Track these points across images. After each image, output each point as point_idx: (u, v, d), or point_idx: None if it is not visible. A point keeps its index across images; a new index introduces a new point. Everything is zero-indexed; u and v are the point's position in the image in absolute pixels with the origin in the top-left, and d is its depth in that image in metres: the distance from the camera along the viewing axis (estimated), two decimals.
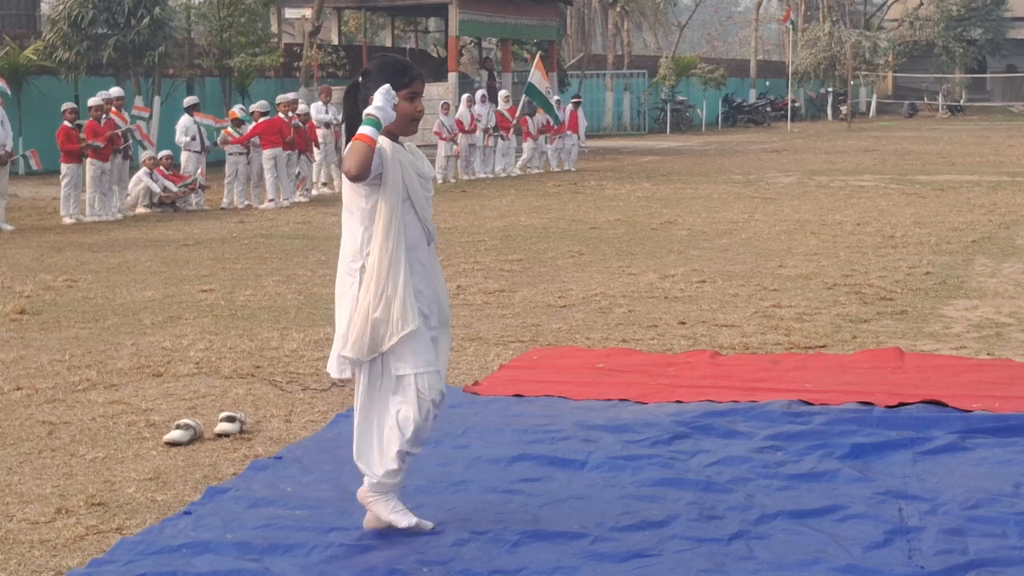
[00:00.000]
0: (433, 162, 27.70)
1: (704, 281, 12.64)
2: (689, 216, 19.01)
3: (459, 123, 27.39)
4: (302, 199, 22.31)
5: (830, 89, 63.91)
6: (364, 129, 5.18)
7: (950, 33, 69.93)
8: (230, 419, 7.08)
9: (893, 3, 76.70)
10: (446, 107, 27.69)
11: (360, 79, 5.50)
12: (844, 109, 58.44)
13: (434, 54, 46.75)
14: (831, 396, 7.86)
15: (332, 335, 9.70)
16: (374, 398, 5.44)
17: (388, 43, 44.53)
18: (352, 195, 5.36)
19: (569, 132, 30.27)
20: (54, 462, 6.60)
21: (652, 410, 7.62)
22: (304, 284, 12.76)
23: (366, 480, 5.49)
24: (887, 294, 11.78)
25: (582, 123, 31.09)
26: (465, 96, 28.53)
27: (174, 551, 5.26)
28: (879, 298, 11.57)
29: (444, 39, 44.59)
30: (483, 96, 28.69)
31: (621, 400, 7.88)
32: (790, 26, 57.29)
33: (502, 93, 30.08)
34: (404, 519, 5.48)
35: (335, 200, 22.71)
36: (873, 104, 67.28)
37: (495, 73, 38.92)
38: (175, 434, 6.86)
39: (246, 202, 21.67)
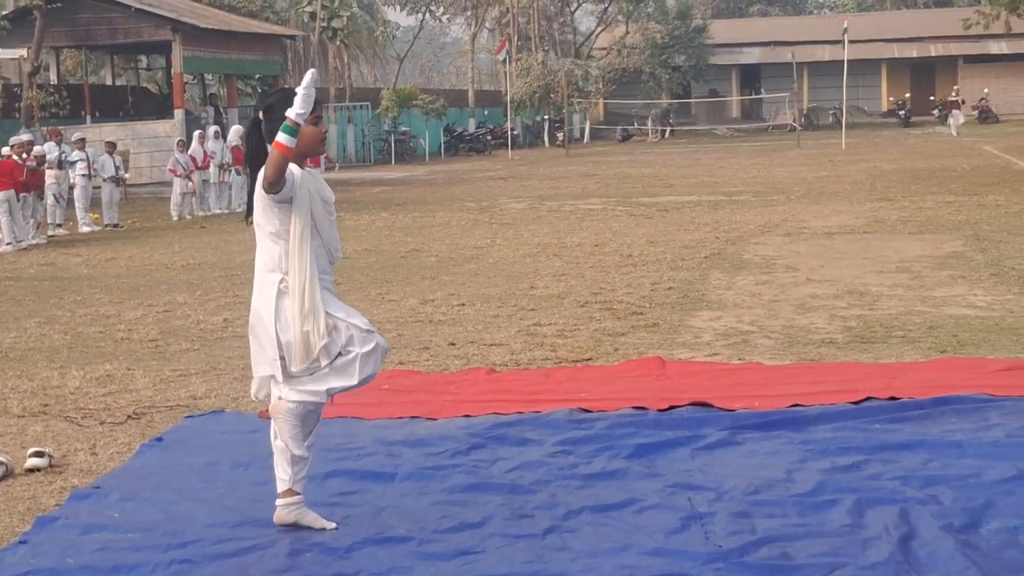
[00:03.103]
0: (168, 199, 27.61)
1: (463, 304, 13.16)
2: (434, 243, 19.54)
3: (193, 160, 27.32)
4: (40, 241, 21.97)
5: (546, 117, 65.48)
6: (280, 137, 5.56)
7: (656, 60, 72.48)
8: (39, 454, 7.22)
9: (601, 32, 79.18)
10: (180, 144, 27.62)
11: (262, 114, 5.85)
12: (560, 136, 60.00)
13: (155, 91, 46.24)
14: (607, 403, 8.43)
15: (113, 372, 9.89)
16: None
17: (108, 81, 43.86)
18: (266, 216, 5.73)
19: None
20: None
21: (444, 425, 8.06)
22: (67, 324, 12.75)
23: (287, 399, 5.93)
24: (637, 309, 12.49)
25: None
26: (197, 132, 28.47)
27: None
28: (630, 313, 12.28)
29: (165, 76, 44.18)
30: (216, 132, 28.69)
31: (412, 417, 8.29)
32: (504, 58, 58.51)
33: (235, 128, 30.11)
34: (300, 448, 5.96)
35: (73, 242, 22.47)
36: (587, 130, 69.19)
37: (221, 109, 38.83)
38: None
39: None
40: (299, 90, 5.69)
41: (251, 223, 5.97)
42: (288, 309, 5.78)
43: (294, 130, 5.63)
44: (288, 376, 5.85)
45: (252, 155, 5.96)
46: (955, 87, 63.00)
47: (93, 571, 5.53)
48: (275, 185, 5.66)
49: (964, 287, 13.11)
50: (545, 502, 6.38)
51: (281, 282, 5.80)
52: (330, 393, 5.92)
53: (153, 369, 10.18)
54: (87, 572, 5.52)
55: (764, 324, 11.48)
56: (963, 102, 59.14)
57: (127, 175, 28.73)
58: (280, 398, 5.91)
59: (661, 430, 7.74)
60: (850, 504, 6.12)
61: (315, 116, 5.88)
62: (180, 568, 5.58)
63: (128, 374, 9.99)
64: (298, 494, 6.04)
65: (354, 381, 5.88)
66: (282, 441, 5.94)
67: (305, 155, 5.91)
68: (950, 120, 55.95)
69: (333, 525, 6.04)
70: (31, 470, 7.14)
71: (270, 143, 5.77)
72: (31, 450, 7.30)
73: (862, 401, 8.16)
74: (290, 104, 5.73)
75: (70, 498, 6.59)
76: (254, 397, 6.10)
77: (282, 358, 5.82)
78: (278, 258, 5.82)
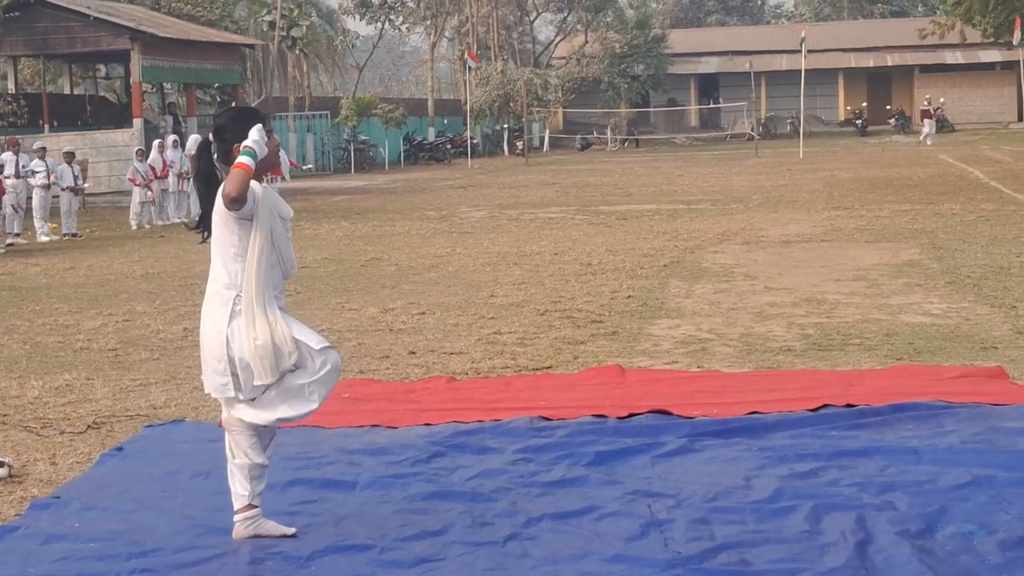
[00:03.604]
0: (127, 209, 27.52)
1: (424, 313, 13.18)
2: (393, 252, 19.56)
3: (152, 168, 27.24)
4: None
5: (505, 125, 65.58)
6: (242, 159, 5.63)
7: (615, 69, 72.79)
8: None
9: (560, 42, 79.44)
10: (140, 153, 27.54)
11: (212, 135, 5.89)
12: (520, 144, 60.09)
13: (113, 100, 46.07)
14: (566, 411, 8.48)
15: (72, 382, 9.88)
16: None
17: (66, 90, 43.67)
18: (226, 232, 5.74)
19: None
20: None
21: (404, 433, 8.08)
22: (26, 334, 12.70)
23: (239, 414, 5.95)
24: (596, 317, 12.55)
25: (285, 162, 31.29)
26: (156, 142, 28.40)
27: None
28: (590, 321, 12.33)
29: (124, 85, 44.02)
30: (175, 141, 28.62)
31: (373, 426, 8.32)
32: (470, 64, 58.58)
33: (194, 137, 30.01)
34: (259, 455, 6.00)
35: (32, 251, 22.36)
36: (547, 139, 69.35)
37: (180, 118, 38.72)
38: None
39: None
40: (252, 131, 5.77)
41: (206, 239, 5.99)
42: (244, 328, 5.78)
43: (254, 153, 5.71)
44: (244, 392, 5.85)
45: (202, 175, 5.99)
46: (927, 96, 63.23)
47: None
48: (237, 202, 5.67)
49: (920, 295, 13.23)
50: (505, 510, 6.42)
51: (236, 300, 5.81)
52: (279, 423, 5.96)
53: (113, 379, 10.16)
54: None
55: (722, 332, 11.55)
56: (936, 111, 59.46)
57: (86, 184, 28.60)
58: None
59: (621, 438, 7.79)
60: (808, 510, 6.19)
61: (266, 129, 5.93)
62: None
63: (87, 384, 9.96)
64: (256, 507, 6.05)
65: (307, 409, 5.93)
66: (241, 451, 5.95)
67: (263, 171, 5.93)
68: (924, 128, 56.05)
69: (293, 531, 6.06)
70: None
71: (222, 163, 5.85)
72: None
73: (820, 408, 8.24)
74: (240, 125, 5.86)
75: (30, 508, 6.58)
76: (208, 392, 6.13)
77: (234, 375, 5.82)
78: (235, 275, 5.83)
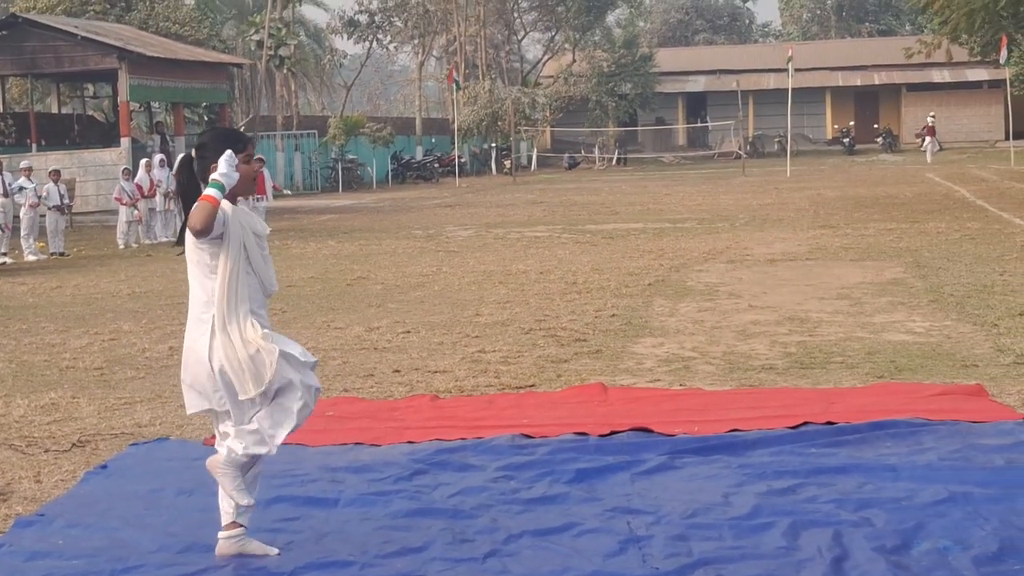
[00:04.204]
0: (115, 228, 27.57)
1: (409, 331, 13.24)
2: (380, 271, 19.61)
3: (139, 188, 27.29)
4: None
5: (493, 144, 65.72)
6: (209, 191, 5.67)
7: (602, 88, 72.99)
8: None
9: (548, 61, 79.63)
10: (126, 172, 27.61)
11: (194, 152, 5.94)
12: (508, 163, 60.20)
13: (101, 119, 46.11)
14: (548, 429, 8.53)
15: (58, 400, 9.93)
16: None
17: (54, 109, 43.71)
18: (196, 252, 5.80)
19: (258, 195, 30.42)
20: None
21: (387, 451, 8.14)
22: (12, 353, 12.73)
23: (225, 453, 5.93)
24: (580, 336, 12.61)
25: (269, 183, 31.31)
26: (144, 161, 28.47)
27: None
28: (574, 339, 12.39)
29: (112, 104, 44.05)
30: (161, 160, 28.68)
31: (356, 444, 8.37)
32: (454, 85, 58.74)
33: (183, 157, 30.03)
34: (246, 497, 5.96)
35: (19, 270, 22.38)
36: (534, 158, 69.49)
37: (168, 137, 38.77)
38: None
39: None
40: (221, 163, 5.80)
41: (182, 254, 6.05)
42: (222, 344, 5.82)
43: (222, 186, 5.75)
44: (233, 414, 5.90)
45: (183, 191, 6.06)
46: (931, 113, 63.13)
47: None
48: (203, 234, 5.72)
49: (903, 313, 13.31)
50: (486, 526, 6.47)
51: (214, 318, 5.85)
52: (277, 446, 5.99)
53: (98, 397, 10.20)
54: None
55: (706, 350, 11.62)
56: (924, 129, 59.59)
57: (71, 203, 28.64)
58: (226, 445, 5.95)
59: (602, 455, 7.84)
60: (785, 527, 6.24)
61: (247, 155, 5.98)
62: None
63: (73, 402, 10.01)
64: (242, 526, 6.10)
65: (292, 427, 5.97)
66: (226, 493, 5.99)
67: (237, 195, 5.98)
68: (926, 145, 55.99)
69: (276, 551, 6.10)
70: None
71: (202, 180, 5.89)
72: None
73: (800, 426, 8.31)
74: (223, 143, 5.91)
75: (14, 525, 6.62)
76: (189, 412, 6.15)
77: (226, 385, 5.86)
78: (211, 292, 5.88)
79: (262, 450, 5.93)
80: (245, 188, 5.98)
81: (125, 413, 9.57)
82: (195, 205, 5.74)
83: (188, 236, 5.86)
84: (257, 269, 5.98)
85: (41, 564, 6.01)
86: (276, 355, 5.82)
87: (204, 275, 5.89)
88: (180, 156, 29.82)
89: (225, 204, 5.82)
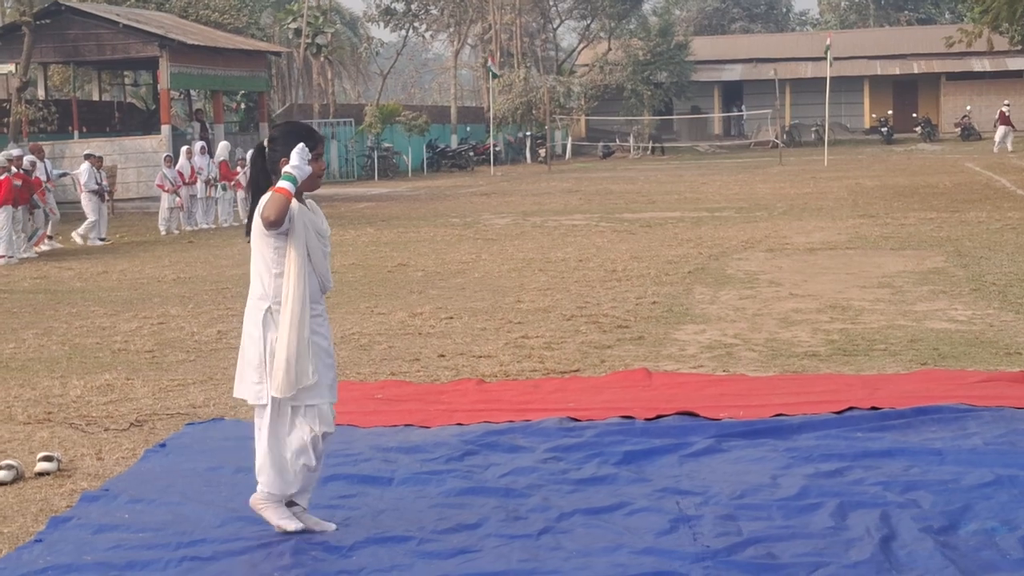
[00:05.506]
0: (156, 215, 27.80)
1: (452, 317, 13.38)
2: (420, 258, 19.76)
3: (180, 175, 27.51)
4: (31, 255, 22.12)
5: (528, 133, 65.73)
6: (282, 183, 5.85)
7: (638, 77, 72.87)
8: (48, 459, 7.47)
9: (583, 49, 79.60)
10: (168, 160, 27.84)
11: (267, 143, 6.11)
12: (543, 152, 60.22)
13: (141, 107, 46.41)
14: (595, 412, 8.67)
15: (112, 382, 10.11)
16: (278, 424, 6.00)
17: (95, 96, 44.01)
18: (261, 244, 5.98)
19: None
20: None
21: (437, 432, 8.28)
22: (64, 336, 12.93)
23: (260, 489, 6.15)
24: (622, 322, 12.73)
25: None
26: (184, 148, 28.65)
27: (39, 573, 5.68)
28: (616, 326, 12.51)
29: (151, 92, 44.32)
30: (202, 148, 28.88)
31: (406, 425, 8.52)
32: (492, 71, 58.79)
33: (223, 144, 30.27)
34: (291, 523, 6.16)
35: (64, 255, 22.61)
36: (569, 146, 69.46)
37: (207, 124, 38.99)
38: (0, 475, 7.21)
39: None
40: (293, 155, 5.95)
41: (249, 241, 6.20)
42: (273, 339, 6.00)
43: (294, 179, 5.92)
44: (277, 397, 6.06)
45: (254, 182, 6.22)
46: (1006, 101, 61.39)
47: (108, 567, 5.77)
48: (275, 225, 5.90)
49: (945, 302, 13.37)
50: (538, 505, 6.61)
51: (268, 311, 6.03)
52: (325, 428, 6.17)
53: (152, 379, 10.39)
54: (102, 568, 5.76)
55: (748, 337, 11.72)
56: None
57: (112, 189, 28.87)
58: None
59: (649, 438, 7.97)
60: (833, 507, 6.36)
61: (316, 153, 6.13)
62: (191, 564, 5.82)
63: (127, 383, 10.20)
64: (297, 504, 6.27)
65: (285, 482, 6.19)
66: (274, 526, 6.18)
67: (302, 192, 6.12)
68: (999, 135, 54.39)
69: (333, 527, 6.26)
70: (41, 474, 7.39)
71: (272, 172, 6.05)
72: (41, 455, 7.54)
73: (845, 411, 8.41)
74: (294, 138, 6.07)
75: (80, 500, 6.82)
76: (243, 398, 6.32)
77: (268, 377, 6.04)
78: (268, 286, 6.05)
79: (276, 490, 6.15)
80: (312, 184, 6.13)
81: (179, 394, 9.75)
82: (268, 196, 5.90)
83: (256, 226, 6.00)
84: (317, 267, 6.13)
85: (109, 536, 6.20)
86: (311, 376, 6.00)
87: (264, 269, 6.06)
88: (221, 144, 29.97)
89: (292, 203, 5.97)
